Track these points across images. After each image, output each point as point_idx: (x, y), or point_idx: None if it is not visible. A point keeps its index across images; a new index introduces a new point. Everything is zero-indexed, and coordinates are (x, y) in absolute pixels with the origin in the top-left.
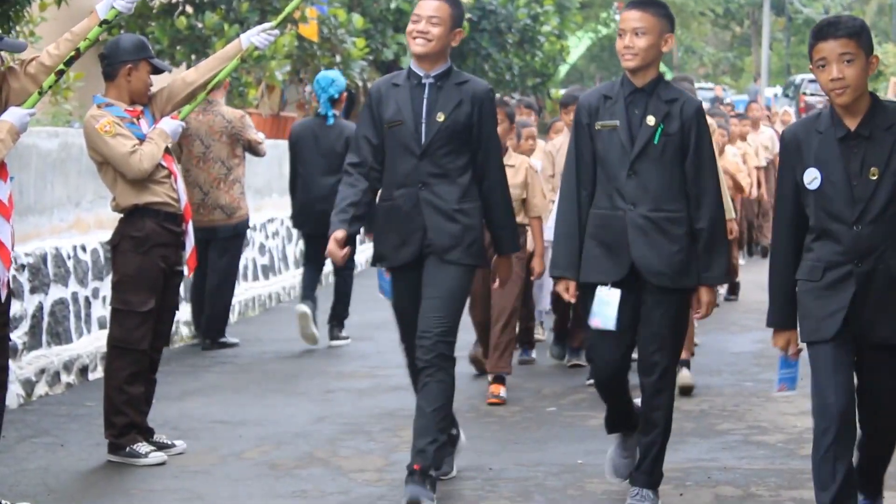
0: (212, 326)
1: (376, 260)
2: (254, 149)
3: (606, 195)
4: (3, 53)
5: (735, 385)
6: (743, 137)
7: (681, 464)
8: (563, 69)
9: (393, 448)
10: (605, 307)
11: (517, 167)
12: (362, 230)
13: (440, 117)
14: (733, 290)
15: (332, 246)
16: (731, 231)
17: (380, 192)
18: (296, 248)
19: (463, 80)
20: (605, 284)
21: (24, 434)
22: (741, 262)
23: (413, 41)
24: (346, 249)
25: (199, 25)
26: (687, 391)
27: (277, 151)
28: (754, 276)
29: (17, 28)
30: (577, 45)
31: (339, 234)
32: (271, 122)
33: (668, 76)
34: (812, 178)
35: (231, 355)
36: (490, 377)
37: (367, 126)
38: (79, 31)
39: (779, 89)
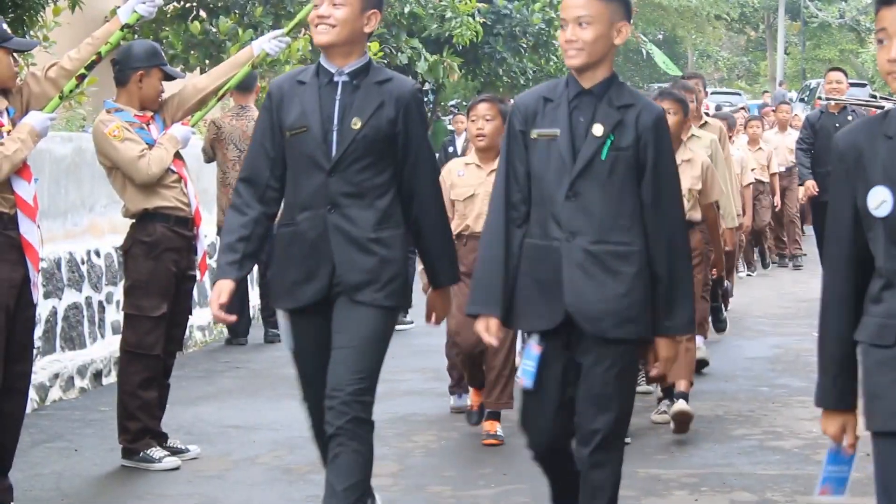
0: (268, 318)
1: (275, 300)
2: None
3: (540, 221)
4: (17, 56)
5: (750, 390)
6: (755, 141)
7: (696, 469)
8: None
9: (406, 453)
10: (529, 361)
11: None
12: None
13: (355, 124)
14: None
15: (215, 297)
16: (724, 240)
17: (280, 214)
18: None
19: (385, 79)
20: (540, 332)
21: (37, 439)
22: (742, 274)
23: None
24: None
25: (214, 30)
26: (683, 423)
27: None
28: (770, 280)
29: (32, 32)
30: None
31: (225, 284)
32: None
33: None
34: (881, 200)
35: (245, 360)
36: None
37: (264, 133)
38: (100, 35)
39: (794, 94)
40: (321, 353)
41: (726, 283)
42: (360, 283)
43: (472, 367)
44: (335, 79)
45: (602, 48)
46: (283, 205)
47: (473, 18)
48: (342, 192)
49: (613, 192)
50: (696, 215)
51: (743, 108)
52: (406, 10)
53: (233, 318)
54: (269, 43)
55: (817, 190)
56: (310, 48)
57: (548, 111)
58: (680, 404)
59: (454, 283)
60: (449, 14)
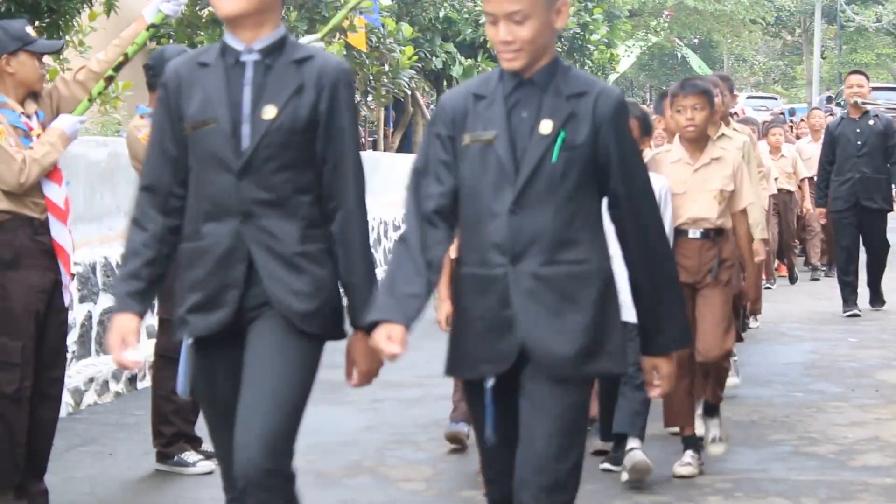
0: None
1: (173, 331)
2: None
3: (475, 246)
4: (45, 60)
5: (785, 396)
6: (776, 149)
7: (730, 475)
8: (611, 78)
9: (440, 458)
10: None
11: None
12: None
13: (269, 113)
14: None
15: (117, 340)
16: (757, 252)
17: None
18: None
19: (304, 56)
20: (487, 378)
21: (72, 443)
22: (770, 285)
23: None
24: (136, 349)
25: None
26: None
27: None
28: (806, 286)
29: (67, 38)
30: (627, 53)
31: (128, 322)
32: None
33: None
34: None
35: None
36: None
37: (162, 130)
38: (127, 36)
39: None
40: (231, 392)
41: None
42: (294, 307)
43: None
44: (243, 58)
45: (544, 42)
46: (185, 216)
47: None
48: (256, 199)
49: (566, 201)
50: (728, 222)
51: (781, 113)
52: (441, 14)
53: (139, 362)
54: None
55: (823, 221)
56: (344, 52)
57: (480, 110)
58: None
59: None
60: (483, 19)
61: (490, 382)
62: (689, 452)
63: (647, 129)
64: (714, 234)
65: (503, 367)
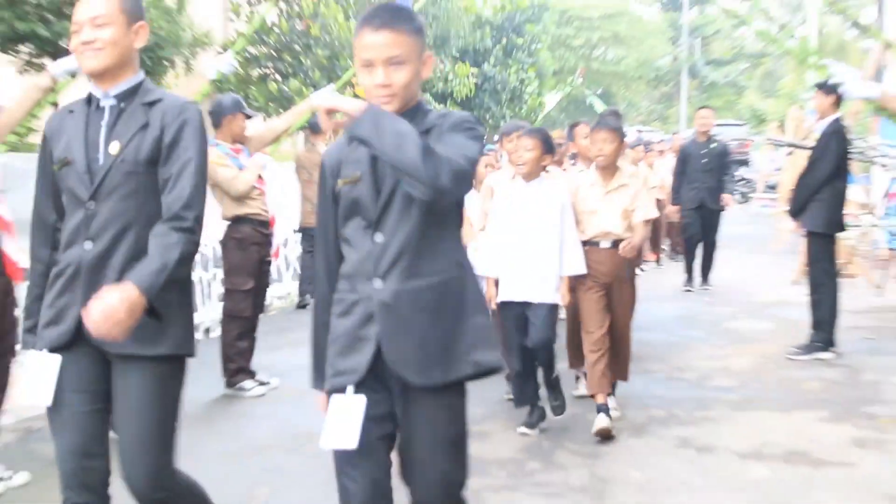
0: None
1: (35, 342)
2: None
3: (347, 273)
4: None
5: (662, 337)
6: (651, 165)
7: (622, 394)
8: (539, 118)
9: None
10: (344, 420)
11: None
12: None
13: (114, 148)
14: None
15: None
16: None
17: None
18: None
19: (155, 99)
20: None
21: None
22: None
23: (82, 57)
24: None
25: (286, 89)
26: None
27: None
28: (672, 266)
29: None
30: (554, 96)
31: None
32: None
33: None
34: None
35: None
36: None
37: (41, 172)
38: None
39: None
40: (74, 402)
41: None
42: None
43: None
44: (102, 103)
45: (414, 89)
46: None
47: (468, 79)
48: (103, 226)
49: (417, 220)
50: (627, 234)
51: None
52: None
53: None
54: (323, 96)
55: (680, 216)
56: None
57: (350, 152)
58: (601, 419)
59: (138, 285)
60: (451, 76)
61: (350, 390)
62: (602, 416)
63: (548, 148)
64: (622, 244)
65: (354, 377)
